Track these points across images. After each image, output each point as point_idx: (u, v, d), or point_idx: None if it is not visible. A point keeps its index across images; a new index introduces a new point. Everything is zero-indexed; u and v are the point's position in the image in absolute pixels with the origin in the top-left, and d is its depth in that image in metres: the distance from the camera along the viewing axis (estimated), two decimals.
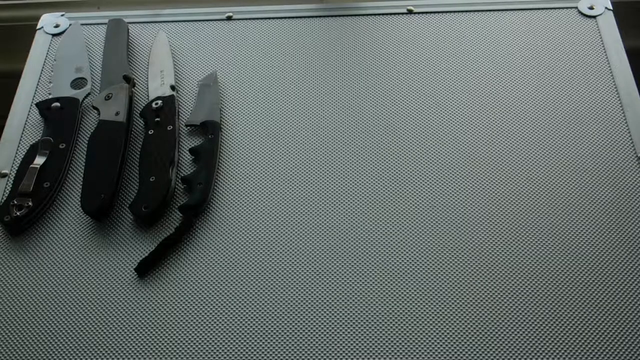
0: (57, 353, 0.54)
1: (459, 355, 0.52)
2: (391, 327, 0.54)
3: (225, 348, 0.53)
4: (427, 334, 0.53)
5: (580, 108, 0.66)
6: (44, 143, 0.63)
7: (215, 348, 0.53)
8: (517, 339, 0.53)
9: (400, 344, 0.53)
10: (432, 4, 0.76)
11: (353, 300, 0.55)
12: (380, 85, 0.69)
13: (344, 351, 0.53)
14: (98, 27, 0.76)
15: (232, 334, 0.54)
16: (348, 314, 0.54)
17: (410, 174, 0.62)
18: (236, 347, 0.53)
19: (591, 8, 0.74)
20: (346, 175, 0.63)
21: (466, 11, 0.75)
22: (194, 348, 0.53)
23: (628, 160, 0.62)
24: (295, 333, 0.54)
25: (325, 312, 0.55)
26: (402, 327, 0.54)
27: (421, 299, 0.55)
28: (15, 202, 0.60)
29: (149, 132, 0.64)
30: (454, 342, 0.53)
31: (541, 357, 0.52)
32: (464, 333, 0.53)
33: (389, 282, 0.56)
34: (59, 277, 0.58)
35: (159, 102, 0.66)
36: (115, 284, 0.57)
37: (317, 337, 0.53)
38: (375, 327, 0.54)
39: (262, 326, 0.54)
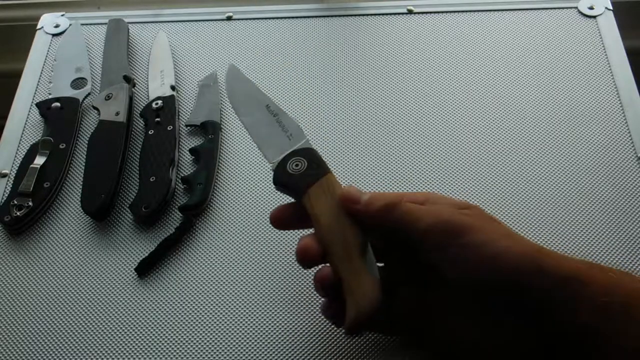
0: (57, 353, 0.54)
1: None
2: None
3: (225, 348, 0.53)
4: None
5: (580, 108, 0.66)
6: (44, 143, 0.63)
7: (215, 348, 0.53)
8: None
9: (399, 344, 0.53)
10: (432, 4, 0.76)
11: None
12: (380, 85, 0.69)
13: (344, 351, 0.53)
14: (98, 27, 0.76)
15: (232, 334, 0.54)
16: None
17: (410, 174, 0.62)
18: (236, 347, 0.53)
19: (591, 8, 0.74)
20: (346, 175, 0.63)
21: (466, 11, 0.75)
22: (194, 348, 0.54)
23: (628, 160, 0.62)
24: (295, 333, 0.54)
25: None
26: None
27: None
28: (15, 202, 0.60)
29: (149, 132, 0.64)
30: None
31: None
32: None
33: None
34: (59, 277, 0.58)
35: (159, 102, 0.66)
36: (115, 284, 0.57)
37: (317, 337, 0.53)
38: None
39: (262, 326, 0.54)
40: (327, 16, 0.76)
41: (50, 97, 0.68)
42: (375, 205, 0.47)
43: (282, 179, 0.50)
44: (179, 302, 0.56)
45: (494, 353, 0.46)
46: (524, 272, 0.43)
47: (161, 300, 0.56)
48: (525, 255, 0.44)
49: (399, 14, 0.76)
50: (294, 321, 0.54)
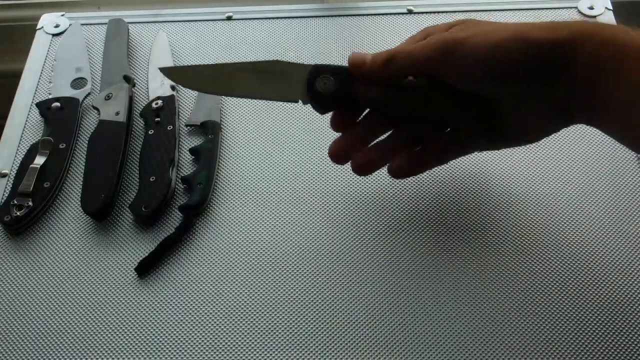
0: (57, 353, 0.54)
1: (457, 354, 0.52)
2: (391, 327, 0.54)
3: (225, 348, 0.53)
4: (426, 333, 0.53)
5: None
6: (44, 143, 0.63)
7: (215, 348, 0.53)
8: (515, 339, 0.53)
9: (399, 344, 0.53)
10: (432, 4, 0.76)
11: (354, 300, 0.55)
12: None
13: (344, 351, 0.53)
14: (98, 27, 0.76)
15: (232, 334, 0.54)
16: (348, 314, 0.55)
17: None
18: (236, 347, 0.53)
19: (591, 8, 0.74)
20: (346, 175, 0.63)
21: (466, 11, 0.75)
22: (194, 348, 0.54)
23: (628, 160, 0.62)
24: (295, 333, 0.54)
25: (325, 312, 0.55)
26: (401, 327, 0.54)
27: (420, 298, 0.55)
28: (15, 202, 0.60)
29: (149, 132, 0.64)
30: (453, 342, 0.53)
31: (540, 357, 0.52)
32: (462, 333, 0.53)
33: (389, 281, 0.56)
34: (59, 277, 0.58)
35: (159, 102, 0.66)
36: (115, 284, 0.57)
37: (317, 337, 0.53)
38: (375, 328, 0.54)
39: (261, 326, 0.54)
40: (327, 16, 0.76)
41: (50, 97, 0.68)
42: (378, 62, 0.52)
43: (331, 99, 0.54)
44: (179, 302, 0.56)
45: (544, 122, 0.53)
46: (515, 50, 0.48)
47: (161, 300, 0.56)
48: (511, 36, 0.48)
49: (399, 14, 0.76)
50: (294, 321, 0.54)
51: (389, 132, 0.57)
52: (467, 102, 0.53)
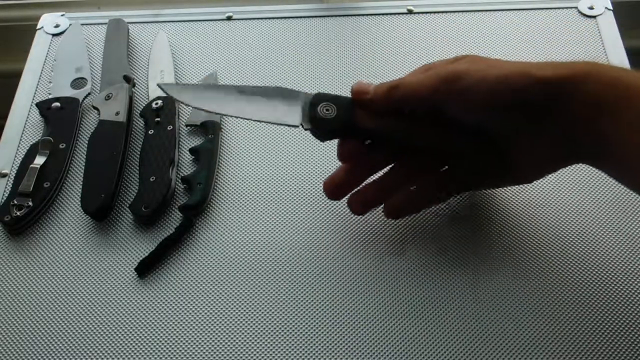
0: (57, 353, 0.54)
1: (458, 354, 0.52)
2: (392, 327, 0.54)
3: (225, 348, 0.53)
4: (425, 333, 0.53)
5: None
6: (44, 143, 0.63)
7: (215, 348, 0.53)
8: (515, 339, 0.53)
9: (400, 343, 0.53)
10: (432, 4, 0.76)
11: (354, 300, 0.55)
12: None
13: (345, 351, 0.53)
14: (98, 27, 0.76)
15: (232, 334, 0.54)
16: (349, 313, 0.55)
17: None
18: (236, 347, 0.53)
19: (591, 8, 0.74)
20: None
21: (466, 11, 0.75)
22: (194, 348, 0.54)
23: None
24: (295, 333, 0.54)
25: (325, 311, 0.55)
26: (400, 327, 0.54)
27: (420, 298, 0.55)
28: (15, 202, 0.60)
29: (149, 132, 0.64)
30: (454, 342, 0.53)
31: (540, 356, 0.52)
32: (463, 333, 0.53)
33: (390, 281, 0.56)
34: (59, 277, 0.58)
35: (159, 102, 0.66)
36: (115, 284, 0.57)
37: (317, 337, 0.53)
38: (376, 327, 0.54)
39: (261, 326, 0.54)
40: (327, 16, 0.76)
41: (50, 97, 0.68)
42: (380, 92, 0.52)
43: (331, 125, 0.54)
44: (179, 302, 0.56)
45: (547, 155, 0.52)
46: (518, 85, 0.48)
47: (161, 300, 0.56)
48: (516, 72, 0.49)
49: (399, 14, 0.76)
50: (294, 320, 0.54)
51: (386, 170, 0.56)
52: (468, 135, 0.53)
